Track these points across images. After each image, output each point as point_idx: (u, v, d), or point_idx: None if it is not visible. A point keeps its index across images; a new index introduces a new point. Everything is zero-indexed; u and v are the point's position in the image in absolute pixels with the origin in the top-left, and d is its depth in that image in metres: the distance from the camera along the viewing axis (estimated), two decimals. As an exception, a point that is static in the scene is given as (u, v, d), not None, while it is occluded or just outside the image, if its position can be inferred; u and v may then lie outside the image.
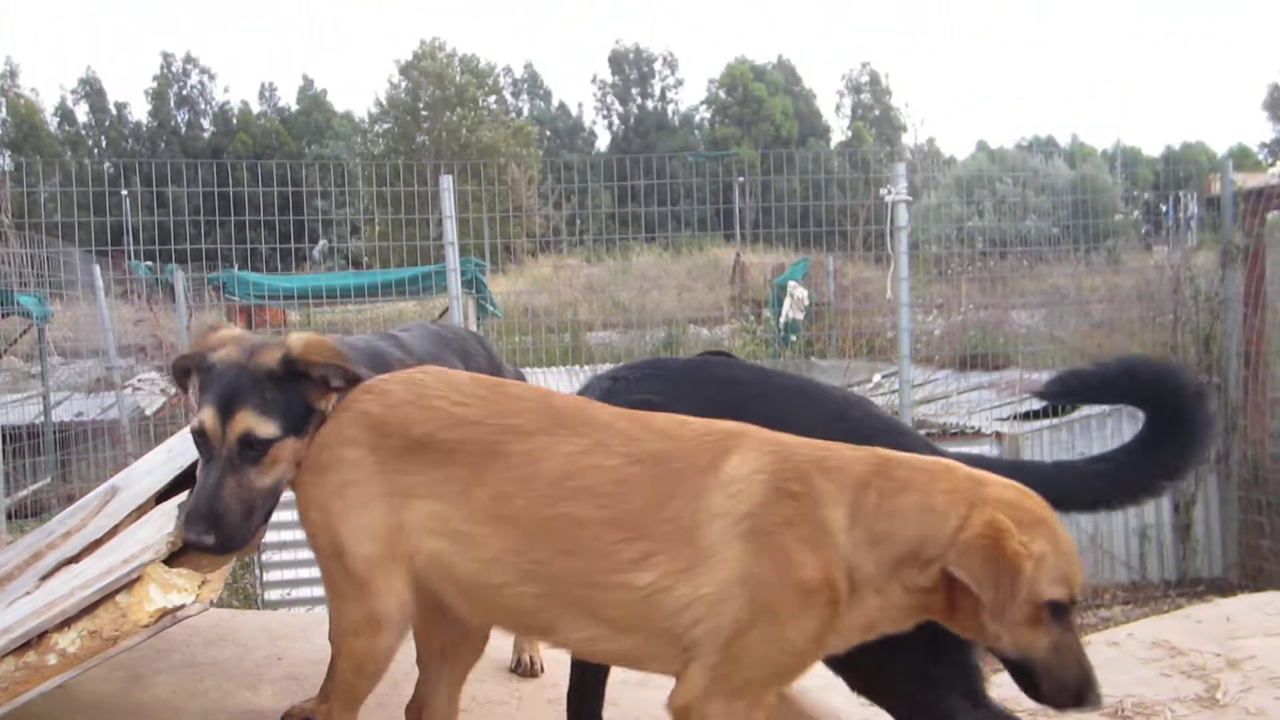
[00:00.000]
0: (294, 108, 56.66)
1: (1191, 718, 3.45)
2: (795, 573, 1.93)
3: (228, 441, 2.32)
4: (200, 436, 2.35)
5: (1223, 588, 8.08)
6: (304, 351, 2.39)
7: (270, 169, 9.22)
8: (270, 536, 7.35)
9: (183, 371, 2.51)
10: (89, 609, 2.16)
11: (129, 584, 2.18)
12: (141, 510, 2.62)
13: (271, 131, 52.47)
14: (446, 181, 8.25)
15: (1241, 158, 38.41)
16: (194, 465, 2.62)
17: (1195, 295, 8.72)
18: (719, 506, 1.98)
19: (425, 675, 2.51)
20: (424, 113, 42.79)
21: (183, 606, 2.18)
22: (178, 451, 3.08)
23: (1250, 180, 9.19)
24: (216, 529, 2.29)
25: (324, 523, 2.17)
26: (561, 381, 10.74)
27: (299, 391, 2.38)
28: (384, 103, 44.39)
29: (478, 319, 10.16)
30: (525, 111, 56.55)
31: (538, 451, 2.06)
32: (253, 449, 2.33)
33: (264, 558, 7.17)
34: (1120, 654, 3.94)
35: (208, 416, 2.32)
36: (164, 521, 2.36)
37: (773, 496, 1.98)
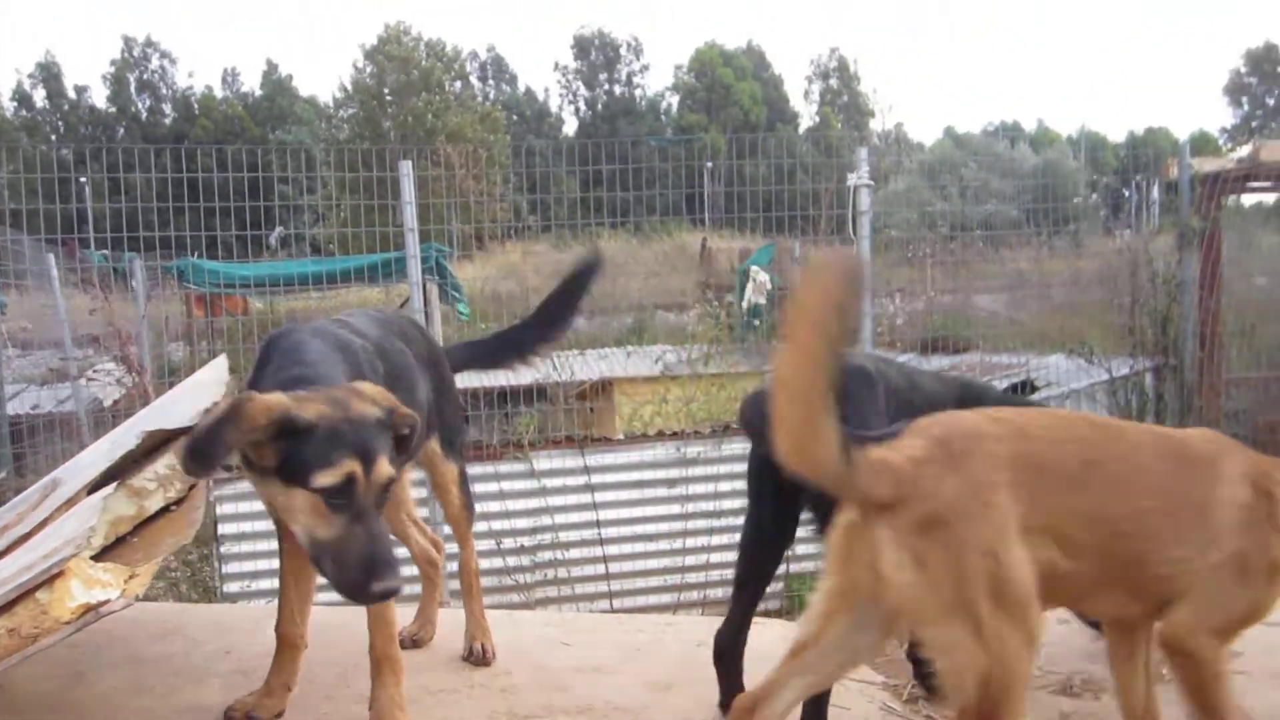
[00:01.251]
0: (257, 93, 55.95)
1: (1139, 696, 3.47)
2: (1270, 554, 2.49)
3: (373, 489, 2.37)
4: (349, 486, 2.34)
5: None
6: (392, 404, 2.54)
7: (233, 155, 9.07)
8: (230, 528, 7.28)
9: (228, 449, 2.37)
10: (7, 606, 2.10)
11: (50, 580, 2.12)
12: (72, 504, 2.56)
13: (234, 117, 51.78)
14: (406, 167, 8.19)
15: (1203, 143, 38.82)
16: (125, 458, 2.56)
17: (1153, 278, 8.79)
18: (1224, 497, 2.48)
19: (785, 671, 2.48)
20: (389, 98, 42.39)
21: (107, 602, 2.13)
22: (120, 444, 3.02)
23: (1207, 165, 9.29)
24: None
25: (989, 566, 2.25)
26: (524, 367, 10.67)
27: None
28: (349, 88, 43.94)
29: (441, 305, 10.09)
30: (491, 96, 56.10)
31: (1114, 462, 2.47)
32: (387, 493, 2.44)
33: (223, 549, 7.09)
34: (1070, 631, 3.95)
35: (356, 467, 2.34)
36: (89, 515, 2.30)
37: (1256, 493, 2.50)
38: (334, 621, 3.70)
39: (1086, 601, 2.66)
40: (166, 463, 2.93)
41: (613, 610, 7.68)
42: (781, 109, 55.43)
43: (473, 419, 8.11)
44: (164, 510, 2.68)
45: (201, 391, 3.50)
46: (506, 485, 7.68)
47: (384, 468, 2.39)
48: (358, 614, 3.08)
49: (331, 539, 2.33)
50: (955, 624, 2.23)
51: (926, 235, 12.30)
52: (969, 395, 3.33)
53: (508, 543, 7.58)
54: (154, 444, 2.94)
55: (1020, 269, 11.97)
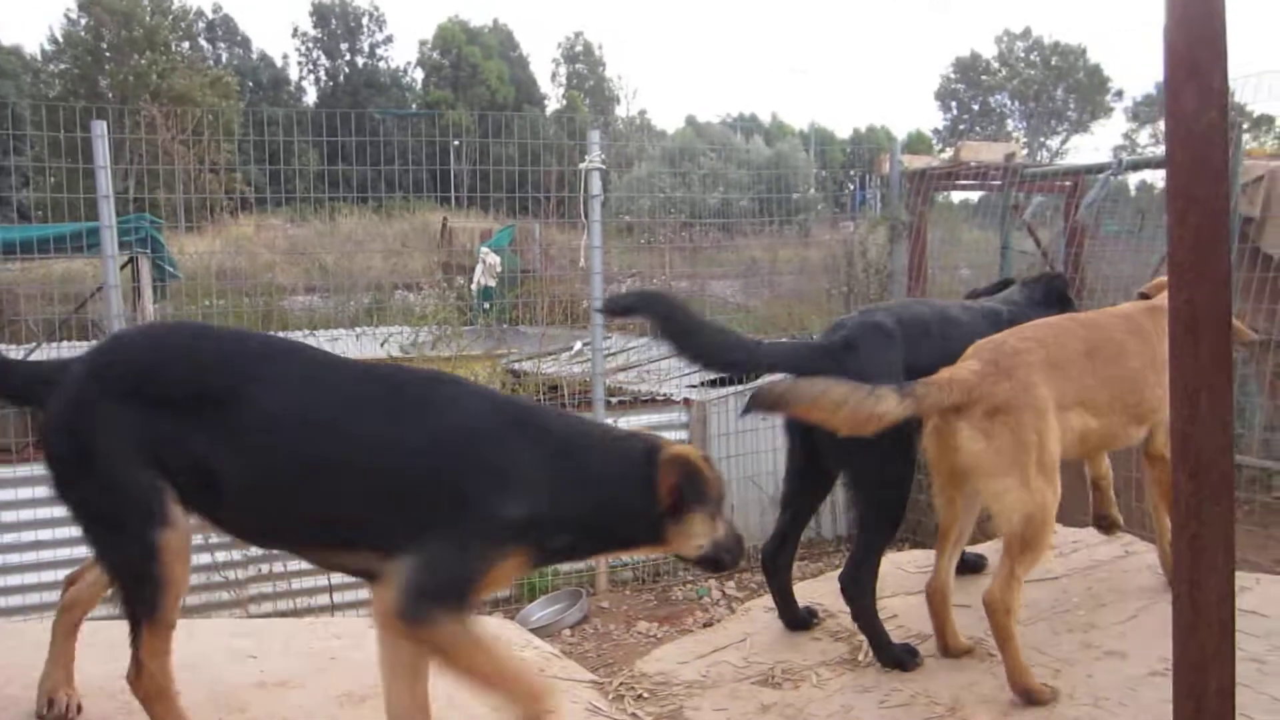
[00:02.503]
0: (-53, 39, 49.75)
1: (835, 680, 3.56)
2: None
3: None
4: None
5: (886, 542, 8.70)
6: None
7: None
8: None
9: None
10: None
11: None
12: None
13: (-82, 64, 45.81)
14: (99, 127, 7.43)
15: (919, 143, 41.99)
16: None
17: (866, 268, 9.31)
18: (1160, 343, 3.26)
19: (944, 549, 3.52)
20: (108, 54, 38.83)
21: None
22: None
23: (916, 162, 9.94)
24: None
25: (1034, 440, 3.17)
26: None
27: None
28: (60, 40, 39.89)
29: (155, 281, 9.29)
30: (224, 60, 52.39)
31: (1103, 345, 3.45)
32: None
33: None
34: (775, 619, 4.03)
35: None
36: None
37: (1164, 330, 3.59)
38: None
39: (1114, 443, 3.62)
40: None
41: (333, 606, 7.31)
42: (530, 90, 55.06)
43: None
44: None
45: None
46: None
47: None
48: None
49: (724, 535, 2.66)
50: (1010, 478, 3.16)
51: (666, 221, 12.51)
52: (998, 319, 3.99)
53: (216, 538, 7.02)
54: None
55: (753, 257, 12.40)
